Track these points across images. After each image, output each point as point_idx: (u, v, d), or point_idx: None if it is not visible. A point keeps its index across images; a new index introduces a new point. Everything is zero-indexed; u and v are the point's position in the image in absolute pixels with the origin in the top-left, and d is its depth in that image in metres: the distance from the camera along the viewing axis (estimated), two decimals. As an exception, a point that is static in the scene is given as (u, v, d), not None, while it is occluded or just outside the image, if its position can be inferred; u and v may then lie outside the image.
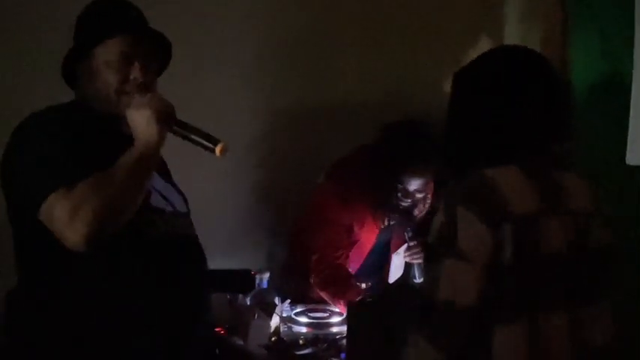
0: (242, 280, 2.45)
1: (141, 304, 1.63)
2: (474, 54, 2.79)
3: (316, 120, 3.17)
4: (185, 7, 2.89)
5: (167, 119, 1.66)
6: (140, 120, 1.63)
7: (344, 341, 2.20)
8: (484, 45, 2.85)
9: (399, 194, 2.52)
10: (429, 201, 2.63)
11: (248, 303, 2.40)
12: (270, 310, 2.36)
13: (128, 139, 1.64)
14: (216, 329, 2.26)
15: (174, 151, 3.04)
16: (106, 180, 1.54)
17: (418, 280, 2.65)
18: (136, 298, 1.63)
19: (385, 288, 2.69)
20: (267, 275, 2.53)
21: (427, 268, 1.48)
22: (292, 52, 3.15)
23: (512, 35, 3.33)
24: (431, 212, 2.72)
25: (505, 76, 1.50)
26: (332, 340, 2.29)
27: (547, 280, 1.42)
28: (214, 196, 3.03)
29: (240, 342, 2.22)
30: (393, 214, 2.63)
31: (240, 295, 2.41)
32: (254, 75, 3.10)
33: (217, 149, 1.65)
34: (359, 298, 2.47)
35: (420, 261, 2.64)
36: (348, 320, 2.07)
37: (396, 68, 3.21)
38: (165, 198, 1.81)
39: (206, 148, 1.68)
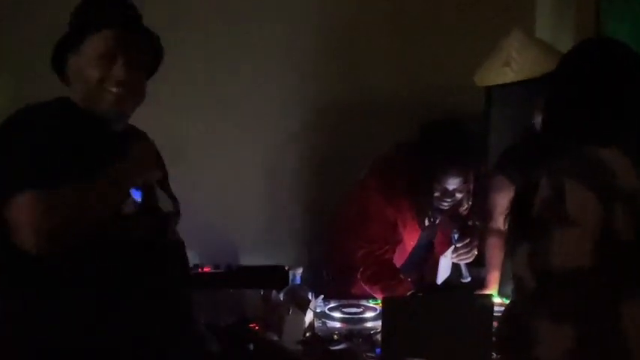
0: (275, 275, 2.45)
1: (99, 307, 1.59)
2: (506, 47, 2.79)
3: (351, 118, 3.17)
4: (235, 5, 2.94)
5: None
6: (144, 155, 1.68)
7: (378, 336, 2.19)
8: (516, 37, 2.80)
9: (439, 194, 2.50)
10: (470, 201, 2.61)
11: (281, 299, 2.40)
12: (303, 306, 2.36)
13: (111, 139, 1.65)
14: (251, 325, 2.26)
15: (212, 149, 3.10)
16: (85, 193, 1.53)
17: (466, 279, 2.64)
18: (94, 301, 1.59)
19: (427, 285, 2.68)
20: (300, 271, 2.53)
21: (535, 244, 1.48)
22: (328, 50, 3.15)
23: (545, 25, 3.29)
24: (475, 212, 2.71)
25: (619, 64, 1.59)
26: (366, 336, 2.28)
27: None
28: (249, 193, 3.06)
29: (275, 337, 2.22)
30: (435, 214, 2.61)
31: (274, 291, 2.41)
32: (289, 74, 3.12)
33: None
34: (409, 293, 2.47)
35: (467, 261, 2.62)
36: (384, 315, 2.06)
37: (430, 64, 3.19)
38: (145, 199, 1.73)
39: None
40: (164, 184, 1.87)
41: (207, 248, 2.88)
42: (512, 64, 2.74)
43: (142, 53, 1.74)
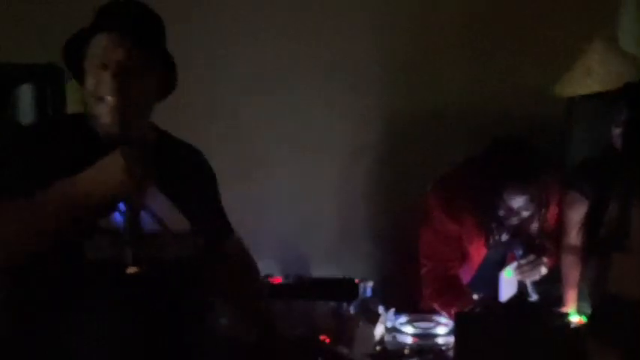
0: (346, 288, 2.45)
1: (62, 328, 1.51)
2: (586, 58, 2.71)
3: (424, 130, 3.15)
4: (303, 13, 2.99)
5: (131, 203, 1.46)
6: (107, 184, 1.41)
7: (450, 352, 2.15)
8: (597, 48, 2.72)
9: (503, 212, 2.44)
10: (540, 218, 2.53)
11: (352, 312, 2.39)
12: (374, 319, 2.35)
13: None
14: (321, 337, 2.26)
15: (286, 162, 3.14)
16: (26, 211, 1.41)
17: (533, 298, 2.55)
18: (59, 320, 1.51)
19: (496, 303, 2.60)
20: (370, 284, 2.51)
21: (601, 265, 1.45)
22: (400, 63, 3.14)
23: (629, 32, 3.16)
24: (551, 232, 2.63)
25: None
26: (438, 351, 2.24)
27: None
28: (320, 205, 3.08)
29: (345, 350, 2.22)
30: (501, 231, 2.55)
31: (344, 304, 2.40)
32: (360, 87, 3.14)
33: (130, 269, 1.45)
34: (469, 308, 2.41)
35: (532, 278, 2.54)
36: (457, 331, 2.02)
37: (503, 75, 3.13)
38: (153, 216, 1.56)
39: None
40: (203, 200, 1.73)
41: (281, 259, 2.92)
42: (593, 75, 2.67)
43: (143, 62, 1.55)
